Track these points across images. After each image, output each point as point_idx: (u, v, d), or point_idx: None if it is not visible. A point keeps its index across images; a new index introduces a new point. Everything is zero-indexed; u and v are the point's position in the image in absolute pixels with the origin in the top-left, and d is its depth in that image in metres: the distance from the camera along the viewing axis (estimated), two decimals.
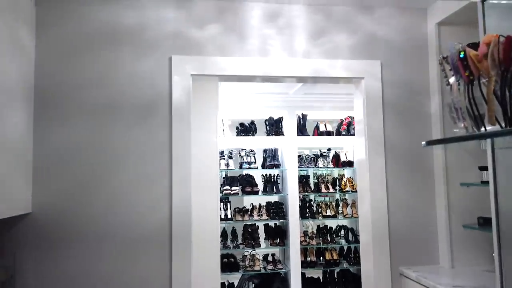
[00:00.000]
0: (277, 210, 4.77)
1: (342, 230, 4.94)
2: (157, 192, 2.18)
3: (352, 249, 4.87)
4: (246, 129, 4.87)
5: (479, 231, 2.25)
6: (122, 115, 2.19)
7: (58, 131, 2.14)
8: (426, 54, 2.49)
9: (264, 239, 4.79)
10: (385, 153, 2.40)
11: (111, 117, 2.18)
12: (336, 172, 5.16)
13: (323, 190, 4.91)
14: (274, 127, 4.84)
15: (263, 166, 4.88)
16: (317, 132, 5.04)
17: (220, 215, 4.16)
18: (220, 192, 4.19)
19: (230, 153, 4.88)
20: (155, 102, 2.23)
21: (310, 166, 4.96)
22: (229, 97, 4.56)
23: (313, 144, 5.12)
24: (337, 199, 5.04)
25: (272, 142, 4.92)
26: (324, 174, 5.07)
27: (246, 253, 4.68)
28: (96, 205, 2.13)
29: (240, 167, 4.80)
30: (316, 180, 5.02)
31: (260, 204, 4.84)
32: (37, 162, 2.10)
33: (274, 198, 4.96)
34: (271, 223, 4.86)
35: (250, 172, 4.87)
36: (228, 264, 4.47)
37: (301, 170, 4.87)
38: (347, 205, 4.97)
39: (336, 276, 4.79)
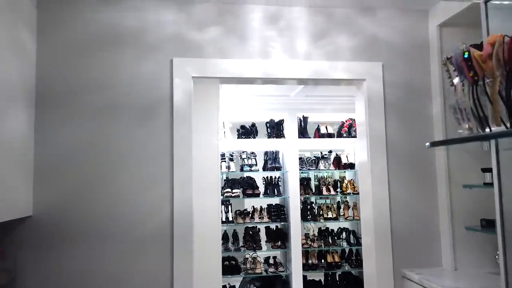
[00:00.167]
0: (278, 212, 4.76)
1: (344, 233, 4.93)
2: (159, 193, 2.18)
3: (353, 252, 4.86)
4: (247, 132, 4.87)
5: (481, 233, 2.24)
6: (124, 117, 2.19)
7: (59, 133, 2.13)
8: (427, 55, 2.48)
9: (266, 241, 4.78)
10: (387, 154, 2.40)
11: (113, 119, 2.18)
12: (337, 174, 5.14)
13: (324, 192, 4.90)
14: (275, 129, 4.83)
15: (264, 168, 4.87)
16: (318, 134, 5.03)
17: (221, 218, 4.14)
18: (221, 195, 4.17)
19: (231, 155, 4.87)
20: (156, 104, 2.23)
21: (311, 168, 4.96)
22: (230, 99, 4.55)
23: (314, 146, 5.10)
24: (339, 202, 5.02)
25: (273, 144, 4.90)
26: (325, 177, 5.06)
27: (247, 256, 4.66)
28: (97, 206, 2.13)
29: (241, 170, 4.79)
30: (317, 183, 5.02)
31: (261, 206, 4.83)
32: (38, 164, 2.09)
33: (275, 200, 4.95)
34: (272, 226, 4.84)
35: (251, 174, 4.86)
36: (230, 267, 4.46)
37: (302, 172, 4.87)
38: (349, 207, 4.96)
39: (338, 279, 4.77)
